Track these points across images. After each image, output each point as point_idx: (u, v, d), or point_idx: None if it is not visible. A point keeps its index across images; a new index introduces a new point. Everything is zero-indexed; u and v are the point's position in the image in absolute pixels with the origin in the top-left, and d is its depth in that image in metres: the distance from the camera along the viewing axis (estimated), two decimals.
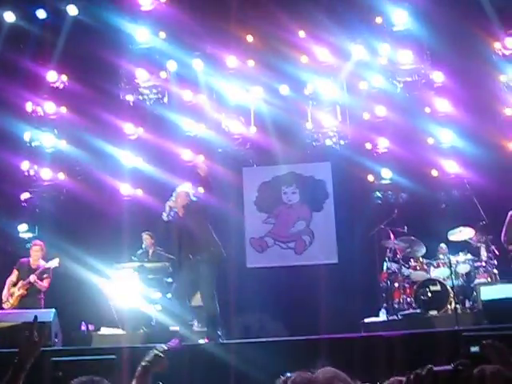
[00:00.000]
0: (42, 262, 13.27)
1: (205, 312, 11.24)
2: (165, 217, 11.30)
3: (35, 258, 13.29)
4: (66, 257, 13.94)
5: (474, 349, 5.40)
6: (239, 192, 16.67)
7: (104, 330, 12.95)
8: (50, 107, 15.95)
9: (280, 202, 16.90)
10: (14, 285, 13.09)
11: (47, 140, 15.99)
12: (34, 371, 4.10)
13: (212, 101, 16.18)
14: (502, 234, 12.46)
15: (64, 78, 15.99)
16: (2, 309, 12.85)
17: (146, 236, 14.05)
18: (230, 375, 8.56)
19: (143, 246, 14.09)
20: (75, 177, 15.97)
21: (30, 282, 12.95)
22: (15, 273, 13.24)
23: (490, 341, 5.01)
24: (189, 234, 11.13)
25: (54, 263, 13.16)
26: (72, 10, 15.51)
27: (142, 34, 15.79)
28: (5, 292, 13.14)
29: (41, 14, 15.60)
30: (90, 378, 3.70)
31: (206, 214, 11.53)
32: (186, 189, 11.53)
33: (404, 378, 3.14)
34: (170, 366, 5.18)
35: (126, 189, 15.91)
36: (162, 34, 15.88)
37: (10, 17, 15.43)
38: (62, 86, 16.03)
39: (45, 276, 13.13)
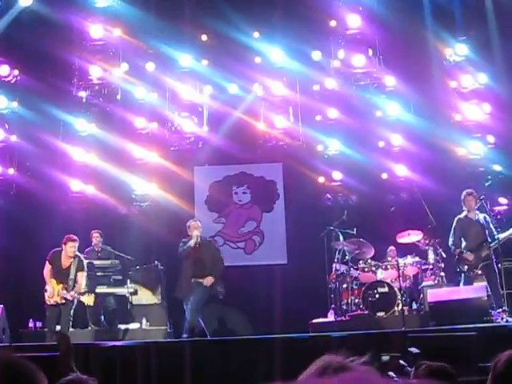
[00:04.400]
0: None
1: (186, 322, 12.64)
2: (192, 243, 12.76)
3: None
4: (13, 252, 13.81)
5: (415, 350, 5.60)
6: (190, 191, 16.63)
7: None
8: (0, 101, 15.71)
9: (231, 202, 16.92)
10: None
11: None
12: None
13: (165, 99, 16.16)
14: (449, 238, 12.65)
15: (16, 72, 15.76)
16: None
17: (95, 234, 14.00)
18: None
19: (92, 244, 14.01)
20: (25, 172, 15.78)
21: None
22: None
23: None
24: (201, 262, 12.87)
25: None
26: (25, 1, 15.20)
27: (96, 31, 15.69)
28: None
29: None
30: (76, 375, 3.57)
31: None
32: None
33: None
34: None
35: (76, 185, 15.75)
36: (117, 31, 15.80)
37: None
38: (13, 81, 15.82)
39: None
